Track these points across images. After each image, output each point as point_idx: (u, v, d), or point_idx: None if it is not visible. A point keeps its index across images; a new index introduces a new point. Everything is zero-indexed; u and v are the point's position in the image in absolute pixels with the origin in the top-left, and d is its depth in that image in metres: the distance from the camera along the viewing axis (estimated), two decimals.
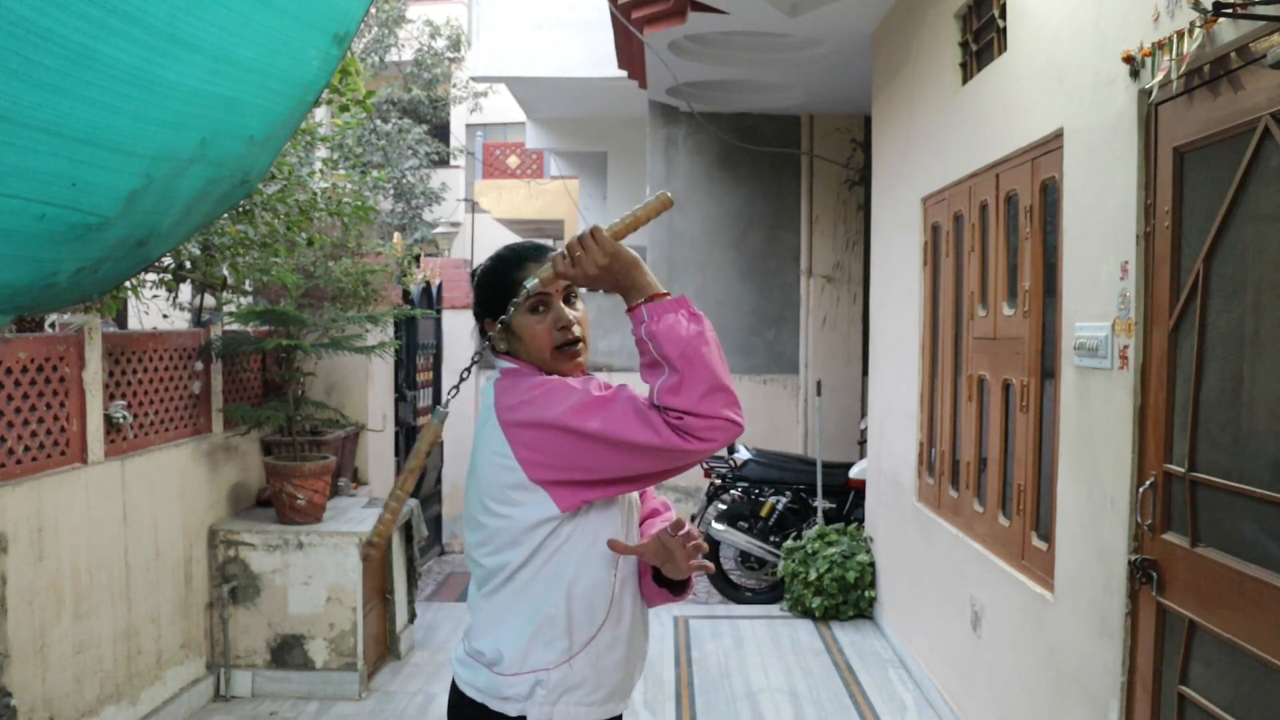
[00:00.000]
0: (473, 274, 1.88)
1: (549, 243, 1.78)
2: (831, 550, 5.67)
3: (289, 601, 4.38)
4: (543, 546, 1.68)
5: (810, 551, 5.74)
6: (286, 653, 4.40)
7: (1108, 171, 2.71)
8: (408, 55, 15.18)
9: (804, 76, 6.75)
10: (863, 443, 6.70)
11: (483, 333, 1.83)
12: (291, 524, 4.43)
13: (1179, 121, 2.41)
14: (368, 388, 5.60)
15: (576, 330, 1.75)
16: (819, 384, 6.90)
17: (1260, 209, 2.17)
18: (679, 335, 1.57)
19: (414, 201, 15.41)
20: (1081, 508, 2.87)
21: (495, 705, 1.69)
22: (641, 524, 1.88)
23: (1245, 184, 2.18)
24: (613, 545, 1.68)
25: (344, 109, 4.43)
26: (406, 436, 6.89)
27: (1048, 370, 3.26)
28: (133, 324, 6.36)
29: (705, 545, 1.70)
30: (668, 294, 1.63)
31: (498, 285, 1.76)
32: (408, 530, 5.08)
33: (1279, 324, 2.11)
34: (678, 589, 1.76)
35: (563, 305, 1.75)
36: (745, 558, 6.54)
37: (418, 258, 7.84)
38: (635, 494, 1.85)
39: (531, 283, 1.65)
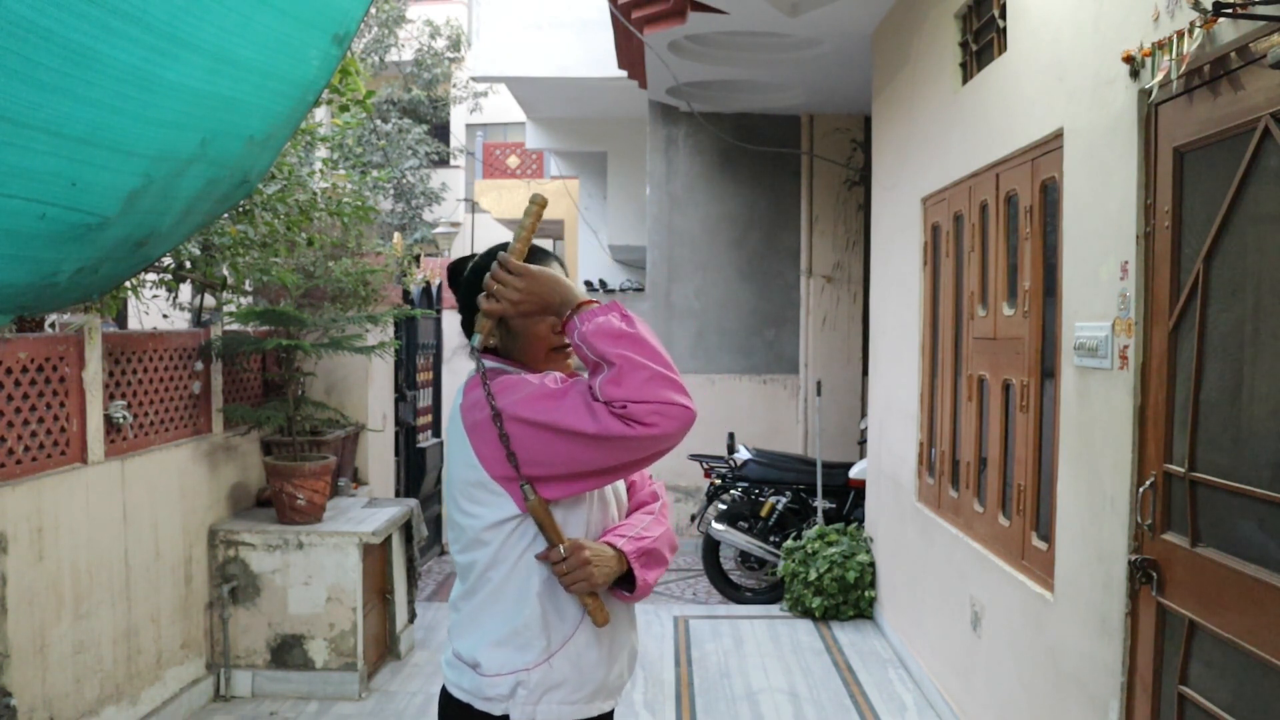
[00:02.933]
0: (451, 269, 1.90)
1: (548, 244, 1.79)
2: (831, 550, 5.67)
3: (289, 601, 4.38)
4: (509, 545, 1.69)
5: (810, 551, 5.74)
6: (286, 653, 4.39)
7: (1108, 171, 2.71)
8: (408, 55, 15.21)
9: (804, 76, 6.75)
10: (863, 443, 6.70)
11: (468, 334, 1.83)
12: (291, 524, 4.43)
13: (1179, 121, 2.41)
14: (368, 388, 5.60)
15: None
16: (819, 384, 6.90)
17: (1260, 209, 2.17)
18: (610, 330, 1.61)
19: (414, 201, 15.43)
20: (1081, 508, 2.87)
21: (480, 705, 1.71)
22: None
23: (1245, 184, 2.18)
24: (539, 557, 1.68)
25: (344, 109, 4.43)
26: (407, 436, 6.89)
27: (1048, 370, 3.26)
28: (133, 324, 6.37)
29: (586, 576, 1.65)
30: (596, 302, 1.66)
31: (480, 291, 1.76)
32: (408, 530, 5.08)
33: (1279, 324, 2.11)
34: (626, 586, 1.75)
35: None
36: (745, 558, 6.54)
37: (418, 258, 7.85)
38: (612, 492, 1.84)
39: (476, 339, 1.70)
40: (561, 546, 1.65)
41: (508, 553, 1.70)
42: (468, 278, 1.83)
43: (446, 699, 1.78)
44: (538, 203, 1.68)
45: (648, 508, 1.87)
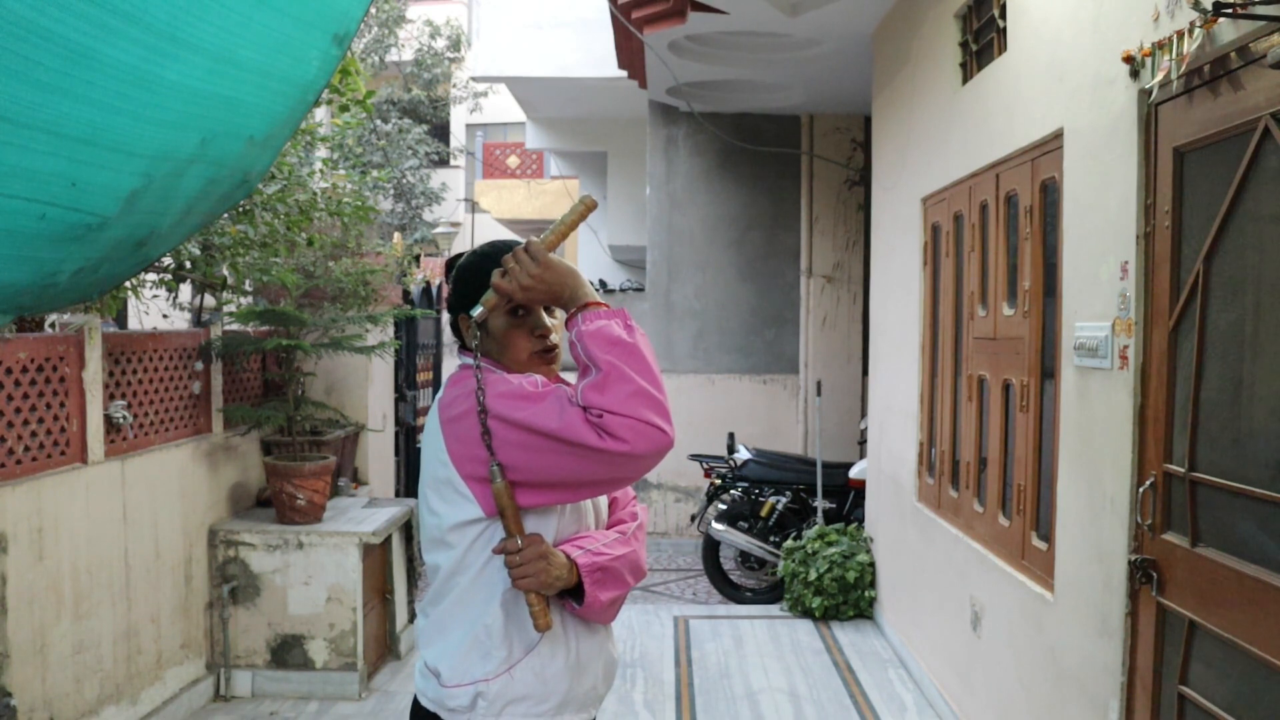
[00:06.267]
0: (448, 265, 1.88)
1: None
2: (831, 550, 5.67)
3: (289, 601, 4.38)
4: (474, 551, 1.67)
5: (810, 551, 5.74)
6: (286, 653, 4.40)
7: (1108, 171, 2.71)
8: (408, 55, 15.22)
9: (804, 76, 6.75)
10: (863, 443, 6.70)
11: (454, 327, 1.83)
12: (291, 524, 4.43)
13: (1179, 121, 2.41)
14: (368, 388, 5.60)
15: (554, 338, 1.77)
16: (819, 384, 6.90)
17: (1260, 209, 2.17)
18: (608, 336, 1.57)
19: (414, 201, 15.43)
20: (1081, 508, 2.87)
21: (445, 715, 1.69)
22: None
23: (1245, 184, 2.18)
24: (496, 549, 1.65)
25: (344, 109, 4.43)
26: (407, 436, 6.89)
27: (1048, 370, 3.26)
28: (133, 324, 6.37)
29: (538, 572, 1.61)
30: (605, 305, 1.63)
31: (477, 283, 1.74)
32: (408, 530, 5.08)
33: (1279, 324, 2.11)
34: (576, 599, 1.70)
35: (542, 312, 1.76)
36: (745, 558, 6.54)
37: (418, 258, 7.86)
38: (591, 506, 1.80)
39: (476, 310, 1.67)
40: (519, 538, 1.61)
41: (473, 559, 1.67)
42: (459, 277, 1.80)
43: (417, 707, 1.76)
44: (585, 203, 1.65)
45: (620, 527, 1.82)
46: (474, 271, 1.77)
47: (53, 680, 3.32)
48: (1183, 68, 2.25)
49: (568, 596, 1.70)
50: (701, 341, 7.96)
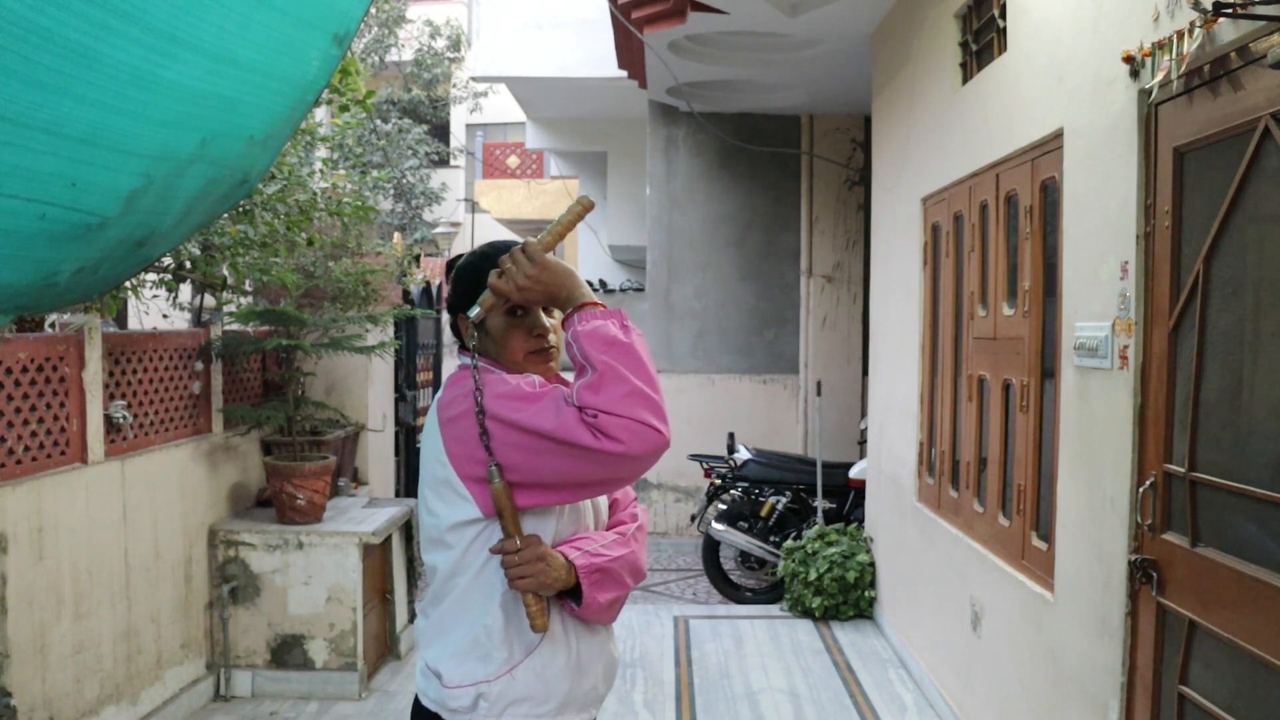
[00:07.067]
0: (449, 265, 1.89)
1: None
2: (831, 550, 5.67)
3: (289, 601, 4.38)
4: (473, 552, 1.67)
5: (810, 551, 5.74)
6: (286, 653, 4.40)
7: (1108, 171, 2.71)
8: (408, 55, 15.23)
9: (804, 76, 6.75)
10: (863, 443, 6.70)
11: (454, 328, 1.83)
12: (291, 524, 4.43)
13: (1179, 121, 2.41)
14: (368, 388, 5.60)
15: (552, 338, 1.77)
16: (819, 384, 6.90)
17: (1260, 209, 2.17)
18: (603, 336, 1.58)
19: (414, 201, 15.44)
20: (1081, 508, 2.87)
21: (447, 716, 1.70)
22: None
23: (1245, 184, 2.18)
24: (493, 549, 1.65)
25: (344, 109, 4.43)
26: (407, 436, 6.89)
27: (1048, 370, 3.26)
28: (133, 324, 6.37)
29: (535, 573, 1.62)
30: (602, 305, 1.64)
31: (475, 283, 1.75)
32: (408, 530, 5.08)
33: (1279, 324, 2.11)
34: (573, 597, 1.70)
35: (540, 311, 1.76)
36: (745, 558, 6.54)
37: (418, 258, 7.85)
38: (591, 508, 1.80)
39: (474, 310, 1.68)
40: (517, 539, 1.62)
41: (472, 559, 1.67)
42: (458, 277, 1.81)
43: (418, 708, 1.77)
44: (582, 203, 1.67)
45: (620, 528, 1.81)
46: (472, 272, 1.77)
47: (53, 680, 3.32)
48: (1183, 68, 2.25)
49: (566, 597, 1.70)
50: (701, 341, 7.96)
